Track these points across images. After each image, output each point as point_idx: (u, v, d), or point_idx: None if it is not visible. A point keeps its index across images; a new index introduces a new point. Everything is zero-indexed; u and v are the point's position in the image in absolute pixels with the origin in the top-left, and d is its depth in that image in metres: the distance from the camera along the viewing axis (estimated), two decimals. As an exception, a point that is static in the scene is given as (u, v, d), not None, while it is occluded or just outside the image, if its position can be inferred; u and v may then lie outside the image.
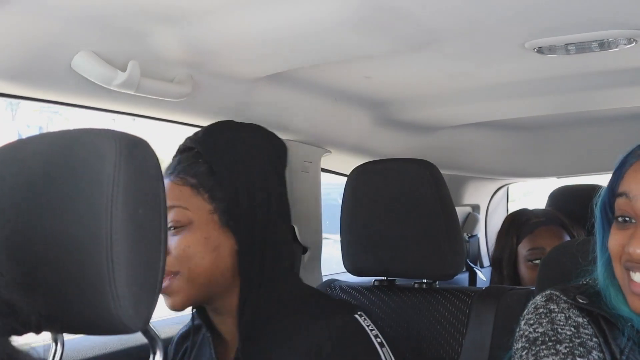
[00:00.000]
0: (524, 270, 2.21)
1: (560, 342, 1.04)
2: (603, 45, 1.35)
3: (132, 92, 1.33)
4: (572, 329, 1.05)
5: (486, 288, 1.77)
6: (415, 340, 1.74)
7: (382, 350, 1.29)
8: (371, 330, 1.31)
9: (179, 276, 1.30)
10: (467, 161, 2.55)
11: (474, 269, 2.76)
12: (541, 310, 1.09)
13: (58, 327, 0.97)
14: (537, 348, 1.05)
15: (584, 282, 1.20)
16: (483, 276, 2.71)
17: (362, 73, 1.68)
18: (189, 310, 1.43)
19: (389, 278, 1.87)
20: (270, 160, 1.39)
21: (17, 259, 0.91)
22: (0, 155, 1.01)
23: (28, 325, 0.83)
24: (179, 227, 1.31)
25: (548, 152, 2.19)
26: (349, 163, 2.15)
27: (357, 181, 1.84)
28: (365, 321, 1.32)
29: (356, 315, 1.32)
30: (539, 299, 1.12)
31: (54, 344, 1.07)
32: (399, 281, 1.88)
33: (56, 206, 0.91)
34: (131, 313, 0.88)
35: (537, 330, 1.07)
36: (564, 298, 1.09)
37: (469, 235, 2.88)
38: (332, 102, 1.87)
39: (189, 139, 1.38)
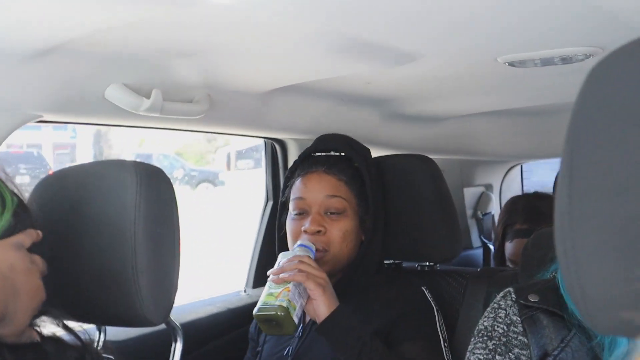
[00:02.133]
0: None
1: (491, 339, 1.18)
2: (565, 59, 1.52)
3: (157, 115, 1.56)
4: (505, 327, 1.17)
5: (479, 270, 1.97)
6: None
7: (437, 315, 1.74)
8: (431, 300, 1.77)
9: (324, 257, 1.69)
10: (475, 146, 2.72)
11: (488, 244, 2.95)
12: (494, 305, 1.23)
13: (99, 321, 1.23)
14: (476, 340, 1.20)
15: (553, 276, 1.34)
16: (496, 251, 2.90)
17: (362, 80, 1.87)
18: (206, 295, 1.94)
19: (396, 261, 2.08)
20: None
21: (60, 270, 1.15)
22: (47, 183, 1.26)
23: (75, 317, 1.09)
24: (337, 213, 1.72)
25: (550, 135, 2.33)
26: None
27: (366, 174, 2.05)
28: (428, 293, 1.78)
29: (422, 288, 1.79)
30: (499, 295, 1.25)
31: (97, 332, 1.34)
32: (405, 264, 2.09)
33: (90, 226, 1.16)
34: (153, 310, 1.13)
35: (483, 323, 1.21)
36: (513, 296, 1.21)
37: (483, 213, 3.06)
38: (339, 103, 2.08)
39: (336, 144, 1.82)
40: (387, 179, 1.99)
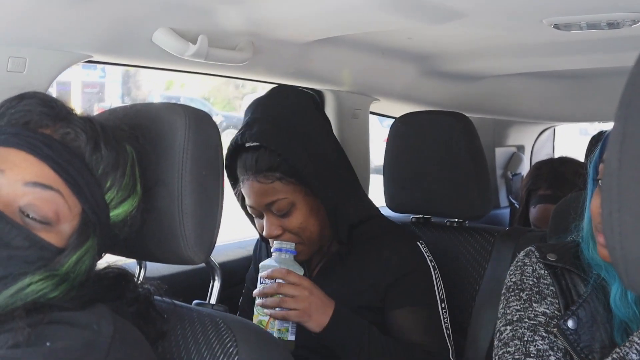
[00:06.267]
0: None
1: (523, 290, 1.27)
2: (612, 24, 1.51)
3: (202, 61, 1.58)
4: (534, 279, 1.27)
5: (508, 229, 2.00)
6: (444, 272, 2.00)
7: (434, 272, 1.69)
8: (427, 256, 1.71)
9: (301, 244, 1.63)
10: (510, 106, 2.72)
11: (515, 204, 2.97)
12: (519, 263, 1.32)
13: (141, 256, 1.28)
14: (509, 294, 1.29)
15: (571, 239, 1.39)
16: (523, 211, 2.91)
17: (404, 35, 1.88)
18: (247, 235, 2.00)
19: (425, 216, 2.12)
20: (315, 120, 1.66)
21: None
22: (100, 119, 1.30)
23: (116, 251, 1.15)
24: (287, 212, 1.62)
25: (587, 98, 2.33)
26: (397, 108, 2.38)
27: (400, 129, 2.07)
28: (424, 248, 1.72)
29: (418, 243, 1.72)
30: (521, 254, 1.34)
31: (138, 266, 1.40)
32: (434, 219, 2.13)
33: (139, 165, 1.19)
34: (196, 249, 1.17)
35: (512, 279, 1.31)
36: (537, 254, 1.31)
37: (513, 173, 3.07)
38: (379, 57, 2.08)
39: (248, 137, 1.59)
40: (421, 135, 2.01)
